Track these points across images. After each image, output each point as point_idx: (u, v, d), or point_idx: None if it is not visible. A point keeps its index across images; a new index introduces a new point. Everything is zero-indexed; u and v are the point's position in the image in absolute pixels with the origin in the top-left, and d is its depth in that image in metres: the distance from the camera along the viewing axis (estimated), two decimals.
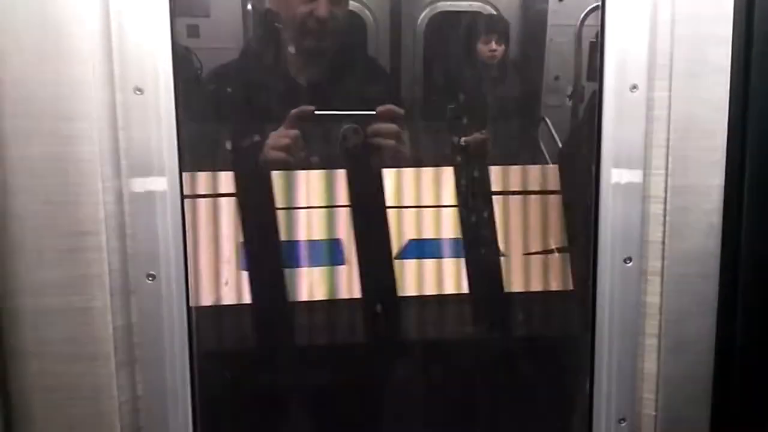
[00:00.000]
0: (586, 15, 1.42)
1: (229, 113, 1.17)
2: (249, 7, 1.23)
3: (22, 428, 0.99)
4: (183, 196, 0.97)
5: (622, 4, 1.00)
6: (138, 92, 0.93)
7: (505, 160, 1.23)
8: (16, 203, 0.92)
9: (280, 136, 1.11)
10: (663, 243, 1.04)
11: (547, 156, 1.40)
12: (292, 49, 1.18)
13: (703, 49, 1.00)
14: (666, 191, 1.03)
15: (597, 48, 1.34)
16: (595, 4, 1.34)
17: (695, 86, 1.01)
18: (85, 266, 0.95)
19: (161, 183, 0.95)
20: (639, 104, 1.01)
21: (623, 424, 1.09)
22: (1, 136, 0.91)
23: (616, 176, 1.03)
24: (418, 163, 1.18)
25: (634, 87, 1.01)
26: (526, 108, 1.36)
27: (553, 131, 1.42)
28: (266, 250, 1.15)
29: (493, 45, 1.36)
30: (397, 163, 1.15)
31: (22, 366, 0.97)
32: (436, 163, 1.19)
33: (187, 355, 1.00)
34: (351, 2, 1.25)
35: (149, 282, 0.98)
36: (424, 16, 1.47)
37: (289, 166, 1.12)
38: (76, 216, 0.93)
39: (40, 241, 0.94)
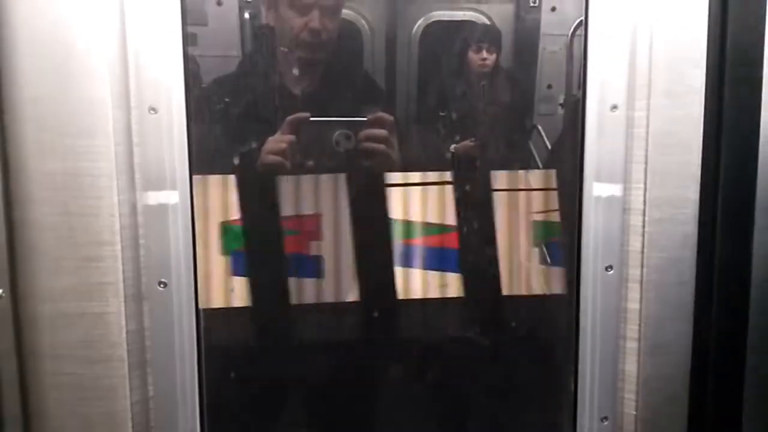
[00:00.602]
0: (578, 25, 1.47)
1: (226, 123, 1.23)
2: (246, 16, 1.29)
3: (38, 426, 1.04)
4: (193, 208, 1.03)
5: (603, 29, 1.07)
6: (152, 111, 1.00)
7: (498, 168, 1.29)
8: (36, 214, 0.98)
9: (276, 141, 1.18)
10: (642, 252, 1.10)
11: (539, 164, 1.45)
12: (287, 61, 1.24)
13: (680, 71, 1.07)
14: (645, 203, 1.09)
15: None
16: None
17: (672, 105, 1.07)
18: (100, 274, 1.01)
19: (173, 196, 1.02)
20: (619, 123, 1.08)
21: (605, 423, 1.15)
22: (24, 152, 0.97)
23: (597, 190, 1.10)
24: (407, 168, 1.24)
25: (615, 107, 1.08)
26: (518, 116, 1.40)
27: (546, 139, 1.47)
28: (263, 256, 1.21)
29: (484, 54, 1.40)
30: (388, 167, 1.22)
31: (39, 367, 1.03)
32: (426, 170, 1.25)
33: (195, 357, 1.06)
34: (346, 11, 1.30)
35: (161, 289, 1.04)
36: (418, 25, 1.51)
37: (285, 169, 1.18)
38: (93, 227, 0.99)
39: (58, 250, 0.99)
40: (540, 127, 1.45)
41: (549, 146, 1.42)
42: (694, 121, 1.09)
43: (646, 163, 1.09)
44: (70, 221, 0.99)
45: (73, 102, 0.97)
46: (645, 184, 1.09)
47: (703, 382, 1.15)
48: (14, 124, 0.97)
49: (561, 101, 1.48)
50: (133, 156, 1.00)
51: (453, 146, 1.28)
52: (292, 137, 1.18)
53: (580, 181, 1.10)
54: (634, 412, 1.14)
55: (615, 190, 1.10)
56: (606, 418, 1.15)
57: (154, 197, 1.02)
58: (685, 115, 1.08)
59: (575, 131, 1.12)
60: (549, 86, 1.51)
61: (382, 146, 1.20)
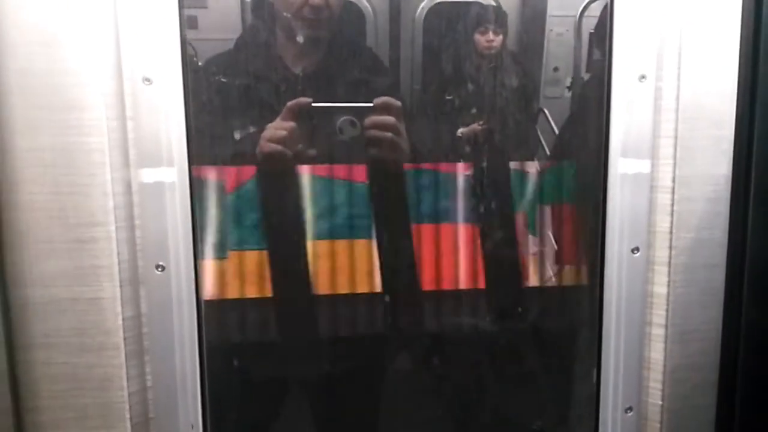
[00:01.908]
0: (586, 6, 1.42)
1: (225, 104, 1.16)
2: None
3: (31, 419, 0.99)
4: (192, 187, 0.96)
5: None
6: (146, 82, 0.93)
7: (505, 152, 1.23)
8: (24, 194, 0.92)
9: (276, 128, 1.11)
10: (670, 233, 1.04)
11: (546, 147, 1.40)
12: (287, 39, 1.18)
13: (712, 40, 1.00)
14: (674, 181, 1.03)
15: (596, 39, 1.34)
16: None
17: (703, 77, 1.01)
18: (93, 257, 0.95)
19: (170, 173, 0.95)
20: (647, 94, 1.01)
21: (630, 413, 1.09)
22: (9, 127, 0.90)
23: (624, 166, 1.03)
24: (415, 155, 1.18)
25: (643, 77, 1.01)
26: (524, 99, 1.35)
27: (552, 122, 1.42)
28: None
29: (490, 35, 1.35)
30: (395, 156, 1.16)
31: (30, 357, 0.97)
32: (434, 155, 1.19)
33: (196, 345, 1.00)
34: None
35: (158, 273, 0.98)
36: (423, 6, 1.46)
37: (286, 158, 1.11)
38: (85, 206, 0.93)
39: (48, 232, 0.93)
40: (546, 111, 1.41)
41: (556, 130, 1.38)
42: (727, 94, 1.02)
43: (675, 137, 1.02)
44: (60, 201, 0.93)
45: (61, 73, 0.90)
46: (674, 160, 1.02)
47: (733, 371, 1.09)
48: None
49: (568, 84, 1.44)
50: (126, 130, 0.94)
51: (460, 131, 1.23)
52: (292, 124, 1.10)
53: (605, 157, 1.03)
54: (660, 402, 1.09)
55: (642, 166, 1.03)
56: (630, 408, 1.09)
57: (149, 174, 0.95)
58: (717, 88, 1.02)
59: (583, 114, 1.06)
60: (555, 69, 1.46)
61: (389, 134, 1.13)
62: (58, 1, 0.89)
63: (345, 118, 1.11)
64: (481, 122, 1.25)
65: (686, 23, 0.99)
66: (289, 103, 1.10)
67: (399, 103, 1.14)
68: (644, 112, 1.02)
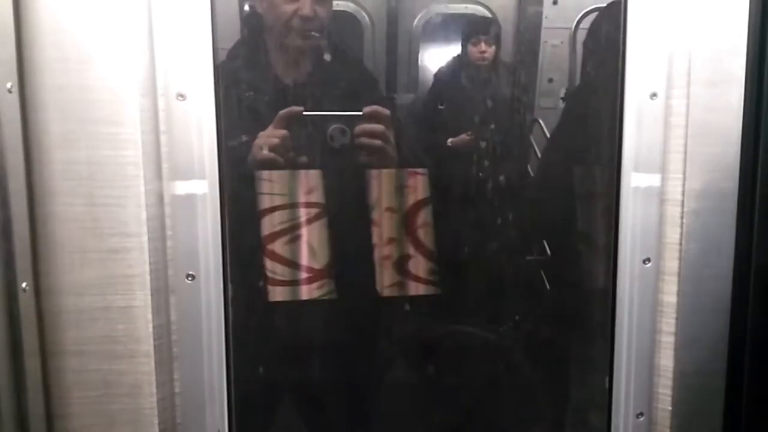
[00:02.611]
0: (581, 18, 1.45)
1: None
2: (246, 8, 1.25)
3: (62, 424, 1.01)
4: (223, 199, 0.99)
5: (642, 15, 1.04)
6: (180, 98, 0.96)
7: (498, 161, 1.26)
8: (60, 205, 0.95)
9: (268, 136, 1.14)
10: (680, 244, 1.08)
11: (539, 157, 1.43)
12: (278, 49, 1.21)
13: (720, 60, 1.05)
14: (683, 194, 1.07)
15: (590, 51, 1.37)
16: (590, 7, 1.37)
17: (712, 95, 1.05)
18: (126, 266, 0.97)
19: (201, 186, 0.98)
20: (658, 111, 1.05)
21: (641, 419, 1.13)
22: (47, 141, 0.93)
23: (635, 180, 1.07)
24: (404, 163, 1.21)
25: (654, 95, 1.05)
26: (519, 109, 1.38)
27: (546, 132, 1.45)
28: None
29: (483, 47, 1.37)
30: (384, 163, 1.19)
31: (62, 363, 0.99)
32: (422, 164, 1.22)
33: (224, 353, 1.03)
34: (347, 3, 1.27)
35: (188, 282, 1.00)
36: (420, 18, 1.49)
37: (278, 165, 1.15)
38: (119, 218, 0.96)
39: (82, 242, 0.96)
40: (541, 121, 1.44)
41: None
42: (734, 111, 1.06)
43: (685, 152, 1.06)
44: (94, 212, 0.95)
45: (97, 88, 0.93)
46: (683, 174, 1.07)
47: (740, 377, 1.13)
48: (37, 113, 0.93)
49: (562, 95, 1.47)
50: (160, 144, 0.97)
51: (450, 140, 1.26)
52: (284, 132, 1.14)
53: (617, 171, 1.07)
54: (670, 408, 1.12)
55: (653, 180, 1.07)
56: (641, 413, 1.13)
57: (182, 187, 0.98)
58: (724, 105, 1.06)
59: (576, 125, 1.09)
60: (550, 80, 1.49)
61: (378, 142, 1.16)
62: (94, 19, 0.92)
63: (335, 126, 1.14)
64: (470, 132, 1.27)
65: (695, 44, 1.04)
66: (281, 112, 1.14)
67: (388, 111, 1.17)
68: (655, 128, 1.06)
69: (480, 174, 1.28)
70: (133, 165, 0.95)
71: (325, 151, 1.16)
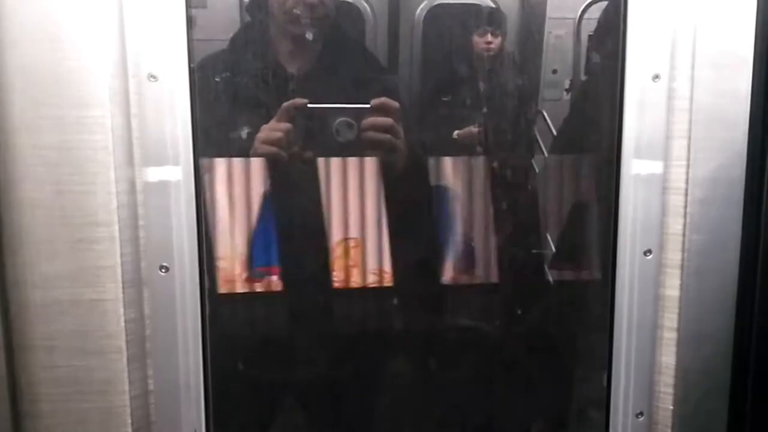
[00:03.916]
0: (586, 8, 1.41)
1: (218, 103, 1.14)
2: None
3: (30, 423, 0.96)
4: (198, 186, 0.94)
5: None
6: (152, 79, 0.91)
7: (501, 154, 1.22)
8: (26, 192, 0.90)
9: (271, 130, 1.09)
10: (683, 235, 1.02)
11: (544, 150, 1.40)
12: (282, 37, 1.16)
13: (726, 40, 0.99)
14: (687, 182, 1.01)
15: (596, 41, 1.33)
16: None
17: (718, 76, 0.99)
18: (96, 257, 0.92)
19: (176, 172, 0.93)
20: (661, 94, 1.00)
21: (641, 419, 1.08)
22: (11, 124, 0.88)
23: (636, 167, 1.02)
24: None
25: (656, 77, 0.99)
26: (522, 101, 1.34)
27: (551, 125, 1.41)
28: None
29: (489, 37, 1.34)
30: (393, 158, 1.14)
31: (30, 360, 0.94)
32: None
33: (200, 348, 0.98)
34: None
35: (162, 274, 0.95)
36: (422, 7, 1.45)
37: (281, 160, 1.10)
38: (88, 206, 0.91)
39: (50, 232, 0.91)
40: (545, 113, 1.40)
41: (554, 132, 1.38)
42: (741, 94, 1.00)
43: (688, 138, 1.00)
44: (62, 200, 0.90)
45: (65, 69, 0.88)
46: (687, 161, 1.01)
47: (745, 375, 1.07)
48: (1, 94, 0.87)
49: (566, 86, 1.43)
50: (131, 128, 0.91)
51: (456, 132, 1.21)
52: (288, 125, 1.08)
53: (617, 158, 1.02)
54: (671, 407, 1.07)
55: (655, 167, 1.01)
56: (641, 413, 1.08)
57: (154, 173, 0.93)
58: (731, 87, 1.00)
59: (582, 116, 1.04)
60: (554, 71, 1.46)
61: (387, 136, 1.11)
62: None
63: (342, 119, 1.09)
64: (476, 124, 1.23)
65: (700, 22, 0.98)
66: (285, 104, 1.08)
67: (397, 104, 1.12)
68: (657, 112, 1.00)
69: (490, 166, 1.24)
70: (103, 150, 0.90)
71: (330, 145, 1.10)
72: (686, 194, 1.01)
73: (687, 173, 1.01)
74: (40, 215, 0.90)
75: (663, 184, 1.02)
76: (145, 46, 0.90)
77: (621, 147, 1.01)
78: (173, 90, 0.91)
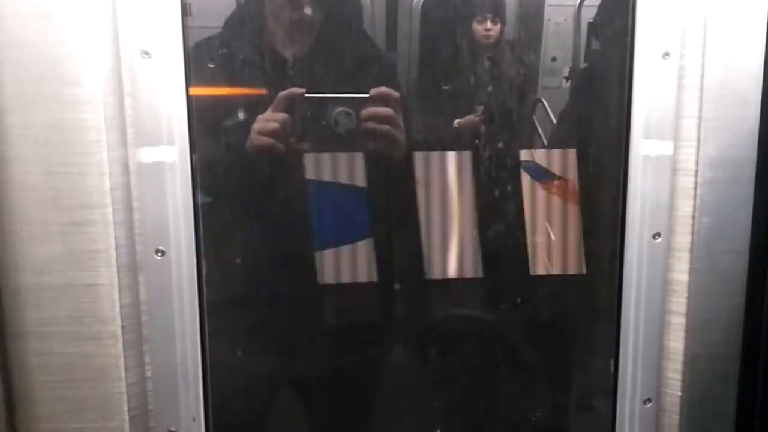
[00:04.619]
0: None
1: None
2: None
3: (24, 411, 0.94)
4: (194, 167, 0.91)
5: None
6: (145, 55, 0.88)
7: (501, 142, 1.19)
8: (16, 173, 0.87)
9: (267, 120, 1.06)
10: (693, 217, 1.00)
11: (543, 138, 1.37)
12: (278, 21, 1.12)
13: (738, 17, 0.96)
14: (697, 164, 0.99)
15: (595, 28, 1.31)
16: None
17: (729, 54, 0.96)
18: (89, 241, 0.90)
19: (170, 153, 0.90)
20: (671, 72, 0.97)
21: (648, 405, 1.06)
22: (0, 102, 0.85)
23: (645, 148, 0.99)
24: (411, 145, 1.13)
25: (666, 54, 0.96)
26: (521, 89, 1.32)
27: (550, 113, 1.39)
28: None
29: (488, 24, 1.31)
30: (392, 149, 1.10)
31: (23, 346, 0.92)
32: (430, 147, 1.15)
33: (198, 334, 0.96)
34: None
35: (158, 258, 0.93)
36: None
37: (278, 151, 1.07)
38: (80, 187, 0.88)
39: (42, 214, 0.88)
40: (544, 101, 1.38)
41: (553, 120, 1.36)
42: (753, 73, 0.98)
43: (699, 118, 0.98)
44: (54, 181, 0.87)
45: (55, 45, 0.85)
46: (698, 141, 0.98)
47: (755, 362, 1.05)
48: None
49: (566, 74, 1.41)
50: (124, 107, 0.89)
51: (457, 121, 1.18)
52: (284, 115, 1.05)
53: (626, 138, 0.99)
54: (680, 393, 1.05)
55: (665, 148, 0.99)
56: (649, 399, 1.05)
57: (148, 154, 0.90)
58: (742, 66, 0.97)
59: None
60: (553, 59, 1.44)
61: (386, 126, 1.07)
62: None
63: (340, 109, 1.06)
64: (477, 113, 1.21)
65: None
66: (281, 94, 1.05)
67: (397, 94, 1.08)
68: (667, 91, 0.97)
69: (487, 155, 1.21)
70: (95, 129, 0.87)
71: (328, 136, 1.07)
72: (696, 176, 0.99)
73: (697, 154, 0.98)
74: (31, 197, 0.88)
75: (672, 165, 0.99)
76: (137, 22, 0.87)
77: (630, 127, 0.98)
78: (167, 67, 0.88)
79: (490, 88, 1.23)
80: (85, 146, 0.87)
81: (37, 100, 0.86)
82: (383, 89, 1.07)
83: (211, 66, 1.08)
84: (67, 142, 0.87)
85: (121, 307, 0.92)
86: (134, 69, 0.88)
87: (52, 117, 0.86)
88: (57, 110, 0.86)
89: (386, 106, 1.07)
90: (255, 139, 1.05)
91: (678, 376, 1.05)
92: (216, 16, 1.15)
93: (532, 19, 1.42)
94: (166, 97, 0.89)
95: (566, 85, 1.41)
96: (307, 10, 1.12)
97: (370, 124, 1.07)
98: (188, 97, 0.89)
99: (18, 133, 0.86)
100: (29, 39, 0.85)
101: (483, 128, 1.19)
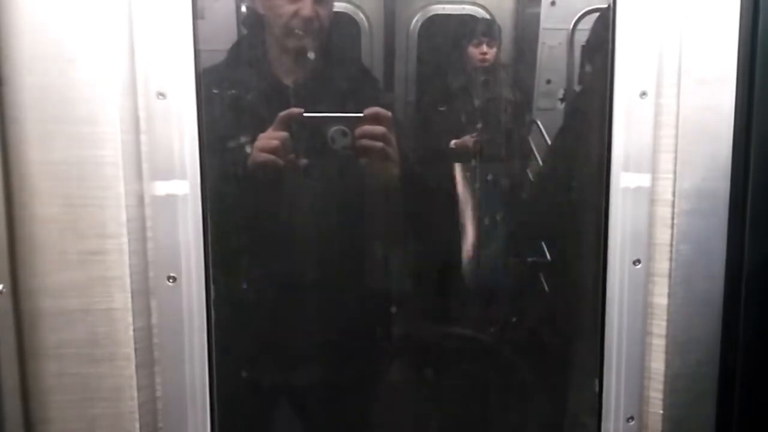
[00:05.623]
0: (579, 19, 1.44)
1: (216, 115, 1.18)
2: (243, 9, 1.24)
3: (41, 429, 0.99)
4: (205, 199, 0.98)
5: (632, 13, 1.02)
6: (161, 97, 0.94)
7: (497, 163, 1.25)
8: (38, 205, 0.93)
9: (268, 138, 1.13)
10: (671, 245, 1.06)
11: (539, 159, 1.42)
12: (279, 50, 1.20)
13: (710, 58, 1.03)
14: (674, 195, 1.05)
15: (588, 52, 1.36)
16: (587, 9, 1.36)
17: (703, 93, 1.03)
18: (105, 268, 0.96)
19: (183, 186, 0.97)
20: (648, 110, 1.04)
21: (631, 423, 1.11)
22: (24, 140, 0.91)
23: (625, 180, 1.06)
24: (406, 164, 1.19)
25: (644, 93, 1.03)
26: (517, 111, 1.37)
27: (545, 134, 1.44)
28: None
29: (484, 48, 1.36)
30: (385, 165, 1.17)
31: (41, 367, 0.97)
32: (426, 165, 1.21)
33: (206, 356, 1.01)
34: (345, 5, 1.25)
35: (170, 284, 0.99)
36: (417, 19, 1.48)
37: (278, 168, 1.14)
38: (98, 219, 0.94)
39: (61, 243, 0.94)
40: (539, 123, 1.43)
41: (548, 141, 1.40)
42: (725, 110, 1.05)
43: (675, 152, 1.05)
44: (73, 213, 0.94)
45: (76, 87, 0.92)
46: (674, 174, 1.05)
47: (732, 381, 1.11)
48: (14, 111, 0.91)
49: (560, 96, 1.46)
50: (140, 144, 0.95)
51: (453, 142, 1.24)
52: (284, 134, 1.12)
53: (607, 171, 1.05)
54: (661, 411, 1.10)
55: (643, 180, 1.05)
56: (632, 417, 1.11)
57: (162, 187, 0.96)
58: (715, 103, 1.04)
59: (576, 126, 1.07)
60: (548, 81, 1.49)
61: (379, 144, 1.15)
62: (74, 18, 0.91)
63: (336, 127, 1.13)
64: (473, 134, 1.26)
65: (685, 42, 1.02)
66: (281, 114, 1.12)
67: (389, 113, 1.15)
68: (645, 127, 1.04)
69: (485, 176, 1.27)
70: (113, 165, 0.93)
71: (325, 153, 1.14)
72: (673, 206, 1.05)
73: (674, 186, 1.05)
74: (52, 228, 0.94)
75: (651, 196, 1.06)
76: (153, 65, 0.94)
77: (610, 161, 1.05)
78: (181, 107, 0.95)
79: (486, 110, 1.29)
80: (103, 181, 0.93)
81: (58, 139, 0.92)
82: (376, 109, 1.15)
83: (215, 92, 1.14)
84: (86, 177, 0.93)
85: (134, 330, 0.97)
86: (150, 109, 0.94)
87: (73, 154, 0.92)
88: (77, 147, 0.92)
89: (379, 124, 1.14)
90: (257, 155, 1.13)
91: (659, 395, 1.10)
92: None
93: (527, 42, 1.46)
94: (179, 135, 0.95)
95: (561, 106, 1.46)
96: (306, 42, 1.19)
97: (364, 142, 1.14)
98: (200, 134, 0.96)
99: (40, 168, 0.92)
100: (52, 82, 0.91)
101: (479, 148, 1.25)
